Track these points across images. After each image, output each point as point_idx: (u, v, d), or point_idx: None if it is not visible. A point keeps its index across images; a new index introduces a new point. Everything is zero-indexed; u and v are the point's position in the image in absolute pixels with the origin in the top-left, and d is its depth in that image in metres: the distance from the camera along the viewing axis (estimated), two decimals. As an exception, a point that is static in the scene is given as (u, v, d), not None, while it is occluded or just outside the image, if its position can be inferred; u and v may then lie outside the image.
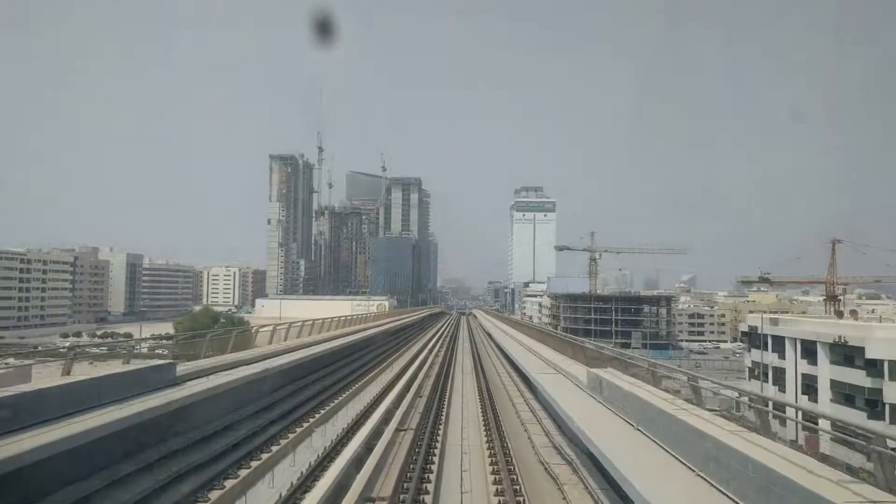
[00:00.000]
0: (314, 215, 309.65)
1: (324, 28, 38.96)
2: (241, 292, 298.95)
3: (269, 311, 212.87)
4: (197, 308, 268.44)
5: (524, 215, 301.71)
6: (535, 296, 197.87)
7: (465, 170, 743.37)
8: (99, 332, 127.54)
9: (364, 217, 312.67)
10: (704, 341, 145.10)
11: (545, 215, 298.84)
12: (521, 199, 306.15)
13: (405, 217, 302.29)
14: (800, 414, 19.94)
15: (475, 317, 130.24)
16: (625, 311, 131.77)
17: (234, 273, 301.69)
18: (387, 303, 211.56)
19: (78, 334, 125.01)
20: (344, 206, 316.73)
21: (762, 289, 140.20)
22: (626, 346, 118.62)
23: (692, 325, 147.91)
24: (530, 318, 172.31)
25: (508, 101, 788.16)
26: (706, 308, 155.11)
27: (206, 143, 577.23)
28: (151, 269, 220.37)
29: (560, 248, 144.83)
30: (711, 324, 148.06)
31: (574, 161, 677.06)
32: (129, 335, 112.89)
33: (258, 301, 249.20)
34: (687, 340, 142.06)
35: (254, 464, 14.44)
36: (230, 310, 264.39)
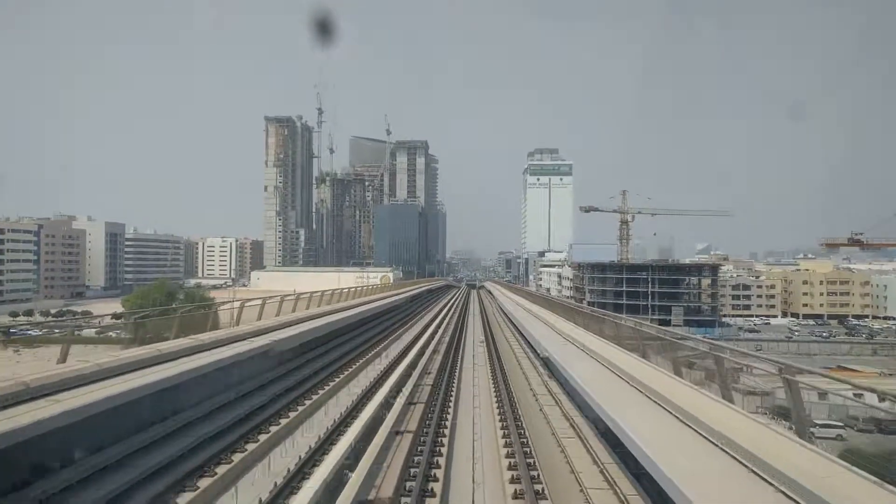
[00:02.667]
0: (315, 182, 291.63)
1: None
2: (239, 264, 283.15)
3: (266, 283, 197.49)
4: (197, 282, 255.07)
5: (538, 180, 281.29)
6: (553, 266, 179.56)
7: (475, 136, 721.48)
8: (54, 311, 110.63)
9: (368, 184, 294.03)
10: (751, 316, 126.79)
11: (561, 179, 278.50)
12: (535, 161, 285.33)
13: (411, 183, 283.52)
14: None
15: (491, 295, 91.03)
16: (662, 282, 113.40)
17: (231, 244, 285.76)
18: (391, 274, 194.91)
19: (30, 312, 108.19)
20: (347, 172, 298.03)
21: (844, 259, 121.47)
22: (664, 322, 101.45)
23: (735, 297, 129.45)
24: (547, 290, 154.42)
25: (521, 65, 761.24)
26: (750, 278, 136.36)
27: (203, 109, 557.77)
28: (136, 240, 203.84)
29: (586, 210, 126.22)
30: (759, 296, 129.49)
31: (591, 125, 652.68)
32: (87, 313, 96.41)
33: (253, 274, 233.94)
34: (730, 315, 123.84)
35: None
36: (225, 283, 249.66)
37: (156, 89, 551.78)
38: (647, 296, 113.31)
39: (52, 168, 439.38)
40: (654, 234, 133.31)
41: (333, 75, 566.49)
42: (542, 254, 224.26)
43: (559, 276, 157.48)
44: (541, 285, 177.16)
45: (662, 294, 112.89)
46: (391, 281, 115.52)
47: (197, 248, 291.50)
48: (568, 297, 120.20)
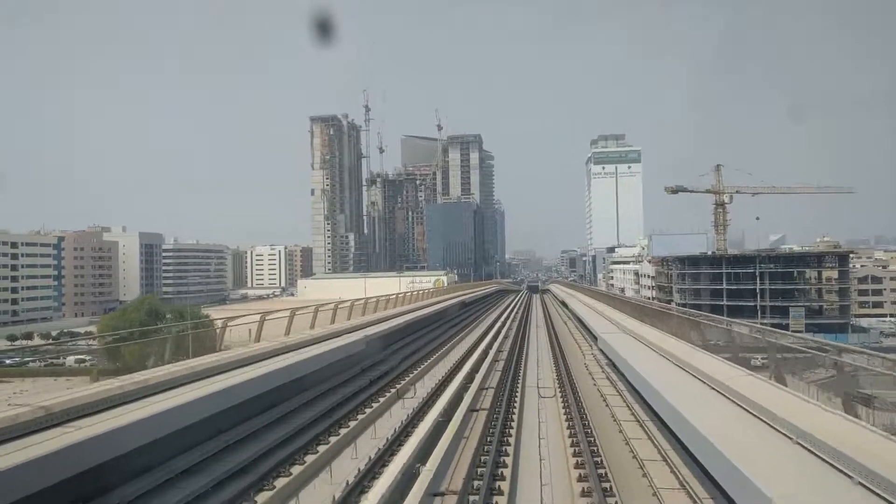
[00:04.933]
0: (365, 184, 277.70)
1: None
2: (289, 272, 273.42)
3: (312, 292, 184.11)
4: (245, 292, 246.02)
5: (603, 169, 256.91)
6: (627, 262, 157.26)
7: (531, 130, 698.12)
8: (55, 333, 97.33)
9: (420, 183, 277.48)
10: (884, 316, 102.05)
11: (629, 167, 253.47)
12: (600, 149, 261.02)
13: (465, 180, 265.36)
14: None
15: (565, 307, 60.06)
16: (774, 276, 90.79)
17: (279, 252, 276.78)
18: (445, 278, 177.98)
19: (29, 335, 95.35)
20: (399, 173, 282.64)
21: None
22: (779, 326, 79.41)
23: (863, 293, 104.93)
24: (621, 290, 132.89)
25: (580, 49, 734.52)
26: (876, 268, 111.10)
27: (247, 112, 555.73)
28: (176, 250, 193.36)
29: (673, 190, 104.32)
30: (893, 290, 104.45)
31: (660, 109, 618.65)
32: (90, 333, 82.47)
33: (300, 282, 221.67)
34: (858, 315, 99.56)
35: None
36: (273, 293, 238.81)
37: (197, 95, 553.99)
38: (754, 294, 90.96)
39: (93, 179, 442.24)
40: (758, 219, 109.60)
41: (382, 73, 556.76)
42: (611, 250, 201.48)
43: (636, 273, 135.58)
44: (612, 285, 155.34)
45: (774, 292, 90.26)
46: (444, 285, 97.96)
47: (246, 258, 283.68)
48: (650, 298, 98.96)
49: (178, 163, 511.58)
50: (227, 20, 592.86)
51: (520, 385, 20.48)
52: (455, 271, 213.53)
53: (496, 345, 28.95)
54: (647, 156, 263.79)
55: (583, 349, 30.34)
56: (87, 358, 64.38)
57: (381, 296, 33.60)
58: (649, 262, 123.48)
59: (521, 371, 23.45)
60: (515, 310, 58.27)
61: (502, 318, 43.38)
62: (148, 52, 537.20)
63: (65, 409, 9.17)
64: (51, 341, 75.27)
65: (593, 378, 22.14)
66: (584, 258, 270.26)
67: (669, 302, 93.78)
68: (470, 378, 19.45)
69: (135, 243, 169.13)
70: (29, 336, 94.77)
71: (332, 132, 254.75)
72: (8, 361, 67.96)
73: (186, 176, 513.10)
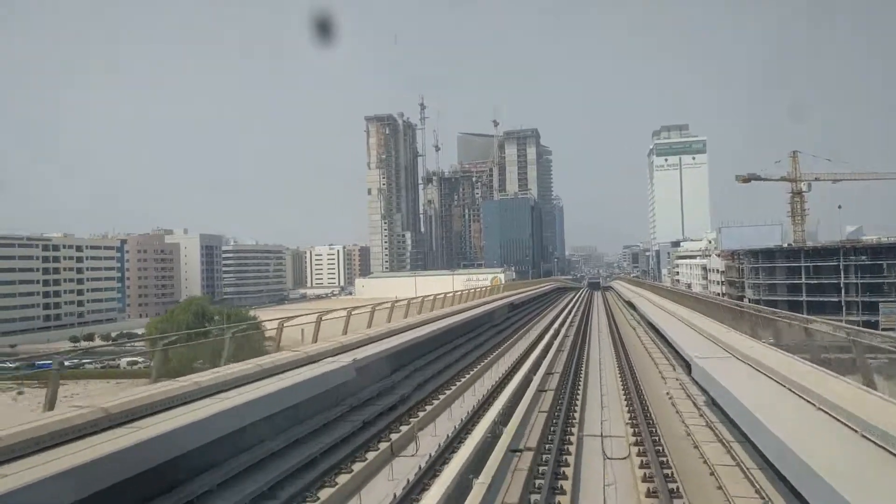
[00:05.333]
0: (421, 182, 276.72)
1: None
2: (347, 272, 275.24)
3: (370, 291, 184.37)
4: (304, 291, 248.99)
5: (666, 160, 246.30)
6: (693, 256, 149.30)
7: (593, 124, 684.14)
8: (114, 334, 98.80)
9: (476, 180, 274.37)
10: None
11: (693, 158, 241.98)
12: (662, 140, 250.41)
13: (522, 176, 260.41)
14: None
15: (632, 307, 51.40)
16: (860, 269, 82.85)
17: (338, 252, 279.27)
18: (502, 276, 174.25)
19: (90, 336, 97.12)
20: (455, 170, 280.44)
21: None
22: (868, 324, 72.49)
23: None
24: (688, 286, 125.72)
25: (641, 38, 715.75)
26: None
27: (304, 114, 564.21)
28: (235, 251, 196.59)
29: (746, 179, 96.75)
30: None
31: (726, 96, 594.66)
32: (139, 336, 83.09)
33: (358, 281, 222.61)
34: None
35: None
36: (331, 293, 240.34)
37: (260, 96, 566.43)
38: (837, 289, 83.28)
39: (155, 183, 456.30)
40: (840, 208, 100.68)
41: (438, 69, 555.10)
42: (675, 244, 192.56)
43: (704, 268, 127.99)
44: (678, 281, 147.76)
45: (862, 287, 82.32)
46: (501, 283, 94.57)
47: (305, 258, 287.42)
48: (719, 295, 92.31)
49: (241, 165, 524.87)
50: (290, 20, 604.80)
51: (572, 438, 13.21)
52: (513, 268, 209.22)
53: (545, 364, 20.44)
54: (713, 146, 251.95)
55: (663, 373, 21.59)
56: (140, 360, 64.14)
57: (414, 298, 29.67)
58: (718, 255, 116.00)
59: (576, 413, 15.37)
60: (573, 312, 49.71)
61: (556, 324, 36.64)
62: (202, 53, 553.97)
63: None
64: (109, 343, 75.77)
65: (692, 437, 13.27)
66: (647, 253, 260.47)
67: (741, 298, 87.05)
68: (495, 431, 11.74)
69: (195, 245, 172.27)
70: (90, 337, 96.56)
71: (387, 131, 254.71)
72: (67, 363, 68.50)
73: (249, 178, 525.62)
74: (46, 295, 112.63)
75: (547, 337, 28.69)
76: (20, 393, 56.22)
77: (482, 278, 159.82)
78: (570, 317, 44.44)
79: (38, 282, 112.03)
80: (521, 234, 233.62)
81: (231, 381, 12.09)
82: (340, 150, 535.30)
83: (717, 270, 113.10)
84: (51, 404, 9.61)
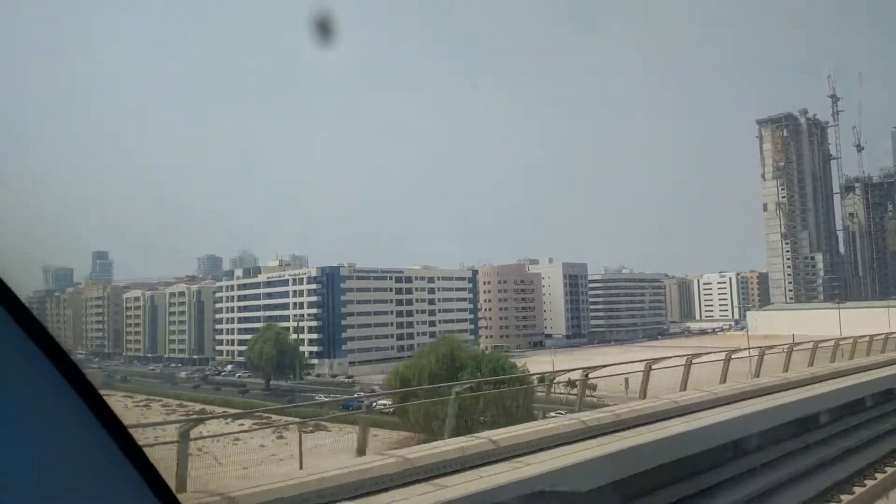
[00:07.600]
0: (837, 192, 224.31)
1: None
2: (742, 301, 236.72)
3: (765, 325, 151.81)
4: (689, 325, 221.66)
5: None
6: None
7: None
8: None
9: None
10: None
11: None
12: None
13: None
14: None
15: None
16: None
17: (729, 279, 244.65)
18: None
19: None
20: (887, 174, 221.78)
21: None
22: None
23: None
24: None
25: None
26: None
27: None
28: (604, 281, 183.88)
29: None
30: None
31: None
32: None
33: (749, 314, 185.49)
34: None
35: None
36: (720, 327, 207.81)
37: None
38: None
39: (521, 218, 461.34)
40: None
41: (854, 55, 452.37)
42: None
43: None
44: None
45: None
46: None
47: (692, 286, 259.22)
48: None
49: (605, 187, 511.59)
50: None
51: None
52: None
53: None
54: None
55: None
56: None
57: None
58: None
59: None
60: None
61: None
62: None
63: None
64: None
65: None
66: None
67: None
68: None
69: (558, 274, 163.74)
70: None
71: (785, 134, 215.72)
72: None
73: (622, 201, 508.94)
74: (399, 326, 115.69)
75: None
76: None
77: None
78: None
79: (391, 313, 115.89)
80: None
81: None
82: (728, 161, 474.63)
83: None
84: (361, 450, 9.68)
